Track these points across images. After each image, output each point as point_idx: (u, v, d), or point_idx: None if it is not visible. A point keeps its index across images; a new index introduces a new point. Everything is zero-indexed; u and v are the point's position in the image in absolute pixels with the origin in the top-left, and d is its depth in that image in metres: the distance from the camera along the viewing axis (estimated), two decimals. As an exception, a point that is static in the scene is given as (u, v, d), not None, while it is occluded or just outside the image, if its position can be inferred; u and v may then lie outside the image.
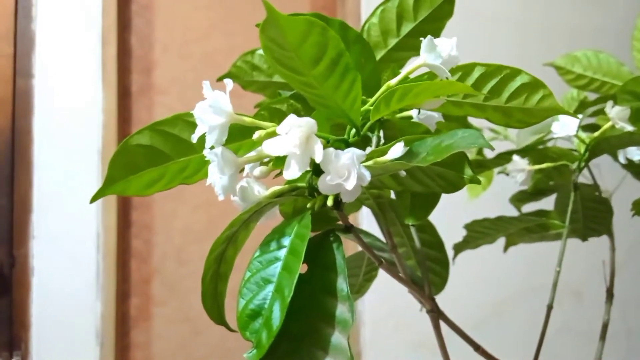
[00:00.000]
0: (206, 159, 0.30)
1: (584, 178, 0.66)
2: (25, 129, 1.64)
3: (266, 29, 0.26)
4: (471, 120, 0.60)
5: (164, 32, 1.79)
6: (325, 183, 0.27)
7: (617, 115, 0.52)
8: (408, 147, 0.30)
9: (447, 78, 0.32)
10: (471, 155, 0.77)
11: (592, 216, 0.63)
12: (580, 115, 0.54)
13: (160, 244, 1.74)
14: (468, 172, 0.33)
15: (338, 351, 0.27)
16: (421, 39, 0.38)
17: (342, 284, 0.29)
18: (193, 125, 0.29)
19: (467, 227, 0.65)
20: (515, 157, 0.62)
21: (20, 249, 1.63)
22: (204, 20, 1.82)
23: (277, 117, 0.38)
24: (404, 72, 0.33)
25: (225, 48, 1.81)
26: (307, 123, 0.26)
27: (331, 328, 0.28)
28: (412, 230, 0.55)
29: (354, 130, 0.32)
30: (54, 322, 1.63)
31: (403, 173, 0.32)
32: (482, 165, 0.69)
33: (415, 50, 0.48)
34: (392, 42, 0.48)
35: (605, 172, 0.73)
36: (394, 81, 0.33)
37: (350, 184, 0.26)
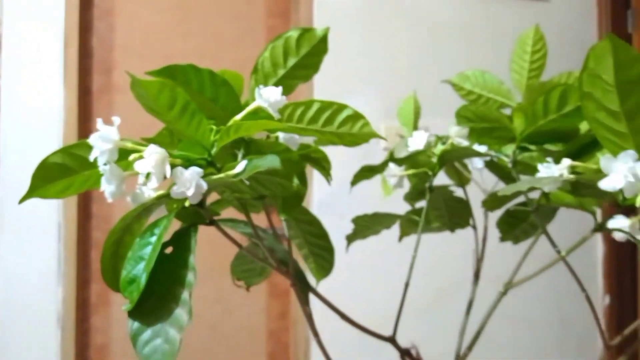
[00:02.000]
0: (101, 171, 0.42)
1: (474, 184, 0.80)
2: (-11, 125, 1.74)
3: (134, 88, 0.39)
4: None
5: (124, 34, 1.90)
6: (174, 191, 0.40)
7: (456, 133, 0.66)
8: (249, 163, 0.43)
9: (276, 116, 0.45)
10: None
11: (454, 212, 0.77)
12: (427, 133, 0.68)
13: (119, 234, 1.85)
14: (295, 182, 0.46)
15: (184, 304, 0.40)
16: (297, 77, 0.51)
17: (192, 260, 0.42)
18: (91, 148, 0.42)
19: (354, 221, 0.79)
20: (391, 165, 0.76)
21: (-16, 238, 1.73)
22: (163, 23, 1.93)
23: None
24: (245, 111, 0.46)
25: (183, 49, 1.93)
26: (161, 151, 0.39)
27: (182, 289, 0.41)
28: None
29: (212, 151, 0.45)
30: (17, 307, 1.74)
31: (247, 182, 0.45)
32: (373, 170, 0.82)
33: (300, 79, 0.61)
34: (281, 72, 0.61)
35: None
36: (238, 117, 0.45)
37: (190, 192, 0.39)
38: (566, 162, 0.48)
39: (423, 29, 2.14)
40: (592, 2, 2.39)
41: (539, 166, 0.51)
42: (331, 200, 1.90)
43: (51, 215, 1.75)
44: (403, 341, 0.71)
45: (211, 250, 1.66)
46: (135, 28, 1.91)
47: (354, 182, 0.81)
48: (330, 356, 0.67)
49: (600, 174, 0.45)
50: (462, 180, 0.81)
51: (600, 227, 0.52)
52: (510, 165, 0.62)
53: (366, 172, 0.81)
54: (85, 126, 1.81)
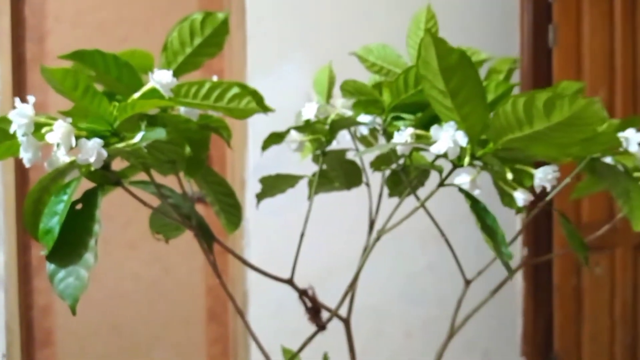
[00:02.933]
0: (20, 141, 0.51)
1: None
2: None
3: (44, 74, 0.47)
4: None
5: (56, 3, 1.91)
6: (79, 158, 0.49)
7: (341, 105, 0.77)
8: (145, 134, 0.53)
9: (168, 94, 0.54)
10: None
11: (349, 172, 0.89)
12: (311, 103, 0.78)
13: (58, 199, 1.91)
14: (187, 149, 0.56)
15: (91, 249, 0.50)
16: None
17: (97, 214, 0.52)
18: (11, 122, 0.51)
19: (261, 181, 0.89)
20: (292, 131, 0.86)
21: None
22: (96, -8, 1.96)
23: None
24: (141, 91, 0.55)
25: (116, 18, 1.96)
26: (66, 125, 0.48)
27: (90, 237, 0.51)
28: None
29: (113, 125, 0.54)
30: (-42, 271, 1.79)
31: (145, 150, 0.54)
32: (280, 136, 0.92)
33: (206, 56, 0.70)
34: (188, 50, 0.70)
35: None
36: (136, 96, 0.55)
37: (92, 159, 0.48)
38: (409, 130, 0.60)
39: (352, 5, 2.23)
40: (514, -27, 2.52)
41: (395, 133, 0.63)
42: (266, 163, 2.00)
43: (-11, 181, 1.79)
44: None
45: (148, 215, 1.74)
46: (68, -4, 1.93)
47: (264, 147, 0.91)
48: (235, 300, 0.78)
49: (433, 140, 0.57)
50: (368, 145, 0.93)
51: (443, 183, 0.64)
52: (381, 132, 0.74)
53: (274, 138, 0.92)
54: (20, 95, 1.84)
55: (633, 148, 0.75)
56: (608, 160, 0.77)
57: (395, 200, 0.85)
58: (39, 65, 1.75)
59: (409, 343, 2.34)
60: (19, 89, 1.85)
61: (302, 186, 0.95)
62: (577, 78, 2.62)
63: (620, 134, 0.77)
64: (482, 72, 0.82)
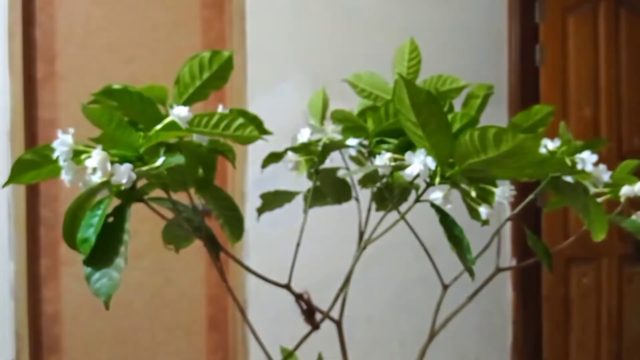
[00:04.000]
0: (61, 166, 0.61)
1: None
2: (-62, 112, 1.85)
3: (84, 111, 0.58)
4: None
5: (65, 25, 2.02)
6: (113, 179, 0.59)
7: (332, 130, 0.88)
8: (165, 160, 0.63)
9: (184, 126, 0.65)
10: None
11: (339, 189, 0.99)
12: (305, 128, 0.89)
13: (66, 212, 2.01)
14: (200, 172, 0.67)
15: (122, 255, 0.60)
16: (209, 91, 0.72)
17: (127, 226, 0.62)
18: (54, 150, 0.61)
19: (261, 196, 1.00)
20: (289, 152, 0.96)
21: (-63, 218, 1.85)
22: (102, 14, 2.07)
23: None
24: (162, 123, 0.66)
25: (122, 40, 2.07)
26: (103, 153, 0.59)
27: (120, 245, 0.61)
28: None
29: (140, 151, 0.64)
30: (-29, 281, 1.88)
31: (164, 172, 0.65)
32: (278, 156, 1.03)
33: (213, 88, 0.81)
34: (198, 83, 0.80)
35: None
36: (158, 127, 0.65)
37: (124, 180, 0.59)
38: (388, 154, 0.71)
39: (348, 20, 2.35)
40: (501, -2, 2.65)
41: (377, 157, 0.73)
42: (264, 178, 2.11)
43: (1, 195, 1.89)
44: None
45: (153, 227, 1.84)
46: (76, 19, 2.04)
47: (263, 165, 1.01)
48: (243, 308, 0.88)
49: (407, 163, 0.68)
50: (358, 164, 1.03)
51: (419, 199, 0.74)
52: (366, 155, 0.84)
53: (273, 157, 1.02)
54: (30, 112, 1.94)
55: (589, 168, 0.86)
56: (568, 179, 0.88)
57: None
58: (49, 83, 1.85)
59: (403, 351, 2.43)
60: (30, 106, 1.95)
61: (298, 202, 1.05)
62: (563, 96, 2.74)
63: (578, 156, 0.88)
64: (462, 97, 0.93)
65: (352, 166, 1.04)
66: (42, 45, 2.00)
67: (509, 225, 2.64)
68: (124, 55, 2.07)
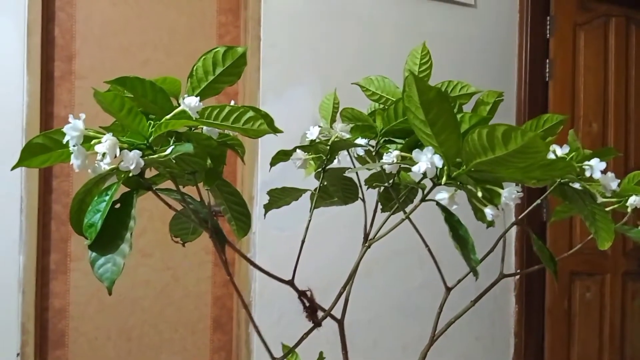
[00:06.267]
0: (71, 150, 0.62)
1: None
2: (-44, 105, 1.87)
3: (96, 96, 0.59)
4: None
5: (84, 25, 2.05)
6: (121, 166, 0.60)
7: (340, 129, 0.88)
8: (174, 148, 0.64)
9: (195, 116, 0.65)
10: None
11: (346, 189, 0.99)
12: (315, 126, 0.89)
13: (77, 208, 2.03)
14: (208, 161, 0.67)
15: (127, 241, 0.61)
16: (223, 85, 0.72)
17: (133, 212, 0.62)
18: (64, 134, 0.62)
19: (268, 193, 1.00)
20: (298, 150, 0.97)
21: (-49, 209, 1.88)
22: (120, 16, 2.09)
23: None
24: (173, 112, 0.66)
25: (139, 42, 2.09)
26: (113, 138, 0.59)
27: (126, 231, 0.62)
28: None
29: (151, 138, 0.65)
30: (-19, 273, 1.90)
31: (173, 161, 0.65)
32: (286, 154, 1.03)
33: (226, 83, 0.82)
34: (211, 78, 0.81)
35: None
36: (168, 116, 0.66)
37: (132, 167, 0.59)
38: (396, 152, 0.71)
39: (361, 27, 2.36)
40: (515, 9, 2.65)
41: (384, 155, 0.73)
42: (273, 180, 2.11)
43: (14, 188, 1.91)
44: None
45: (161, 225, 1.85)
46: (95, 19, 2.07)
47: (272, 163, 1.02)
48: (247, 305, 0.89)
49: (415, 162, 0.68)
50: (364, 164, 1.03)
51: (424, 199, 0.74)
52: (374, 154, 0.84)
53: (282, 156, 1.02)
54: (47, 109, 1.96)
55: (596, 175, 0.85)
56: (576, 185, 0.87)
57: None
58: (66, 82, 1.87)
59: (406, 356, 2.42)
60: (47, 104, 1.97)
61: (305, 204, 1.05)
62: (571, 110, 2.73)
63: (586, 163, 0.88)
64: (472, 103, 0.94)
65: (358, 166, 1.05)
66: (60, 44, 2.03)
67: (513, 238, 2.63)
68: (140, 57, 2.09)
